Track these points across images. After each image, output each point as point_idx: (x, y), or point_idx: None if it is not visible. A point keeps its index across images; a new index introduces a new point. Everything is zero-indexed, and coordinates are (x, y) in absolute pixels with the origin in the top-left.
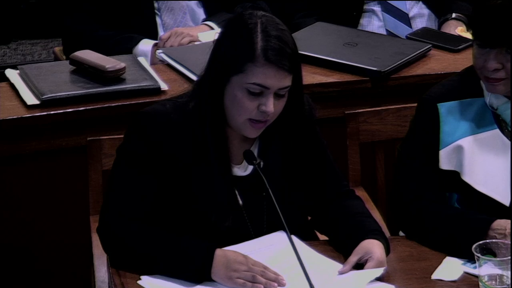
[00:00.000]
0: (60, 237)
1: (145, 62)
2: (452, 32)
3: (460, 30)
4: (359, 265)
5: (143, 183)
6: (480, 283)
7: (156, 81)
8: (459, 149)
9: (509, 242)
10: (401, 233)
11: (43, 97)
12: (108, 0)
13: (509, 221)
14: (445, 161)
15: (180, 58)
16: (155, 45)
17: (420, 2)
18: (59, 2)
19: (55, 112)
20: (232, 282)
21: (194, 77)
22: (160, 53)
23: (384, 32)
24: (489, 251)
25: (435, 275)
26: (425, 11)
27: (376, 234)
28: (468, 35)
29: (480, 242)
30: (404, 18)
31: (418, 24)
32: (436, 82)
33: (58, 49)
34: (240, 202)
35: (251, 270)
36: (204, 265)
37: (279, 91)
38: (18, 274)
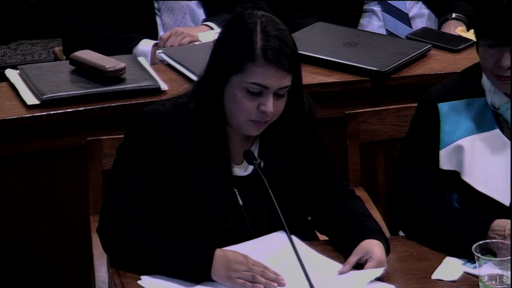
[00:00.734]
0: (60, 237)
1: (145, 62)
2: (452, 32)
3: (460, 30)
4: (359, 265)
5: (143, 183)
6: (480, 283)
7: (156, 81)
8: (459, 149)
9: (509, 242)
10: (401, 233)
11: (43, 97)
12: (108, 0)
13: (508, 221)
14: (445, 161)
15: (180, 58)
16: (155, 45)
17: (420, 2)
18: (59, 2)
19: (55, 112)
20: (232, 282)
21: (194, 77)
22: (160, 53)
23: (384, 32)
24: (489, 251)
25: (435, 275)
26: (425, 11)
27: (376, 234)
28: (468, 35)
29: (480, 242)
30: (404, 18)
31: (418, 24)
32: (436, 82)
33: (58, 49)
34: (240, 202)
35: (251, 270)
36: (204, 265)
37: (279, 91)
38: (18, 274)
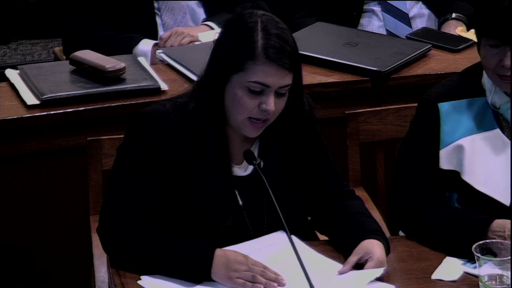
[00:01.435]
0: (60, 237)
1: (145, 62)
2: (452, 32)
3: (460, 30)
4: (359, 265)
5: (143, 183)
6: (480, 283)
7: (156, 81)
8: (459, 148)
9: (509, 243)
10: (401, 233)
11: (43, 97)
12: (108, 0)
13: (507, 221)
14: (445, 161)
15: (180, 58)
16: (155, 45)
17: (420, 2)
18: (59, 2)
19: (55, 112)
20: (232, 282)
21: (194, 77)
22: (160, 53)
23: (384, 32)
24: (489, 251)
25: (435, 275)
26: (425, 11)
27: (376, 234)
28: (468, 35)
29: (480, 242)
30: (404, 18)
31: (418, 24)
32: (436, 82)
33: (58, 49)
34: (240, 202)
35: (251, 270)
36: (204, 265)
37: (280, 89)
38: (18, 274)
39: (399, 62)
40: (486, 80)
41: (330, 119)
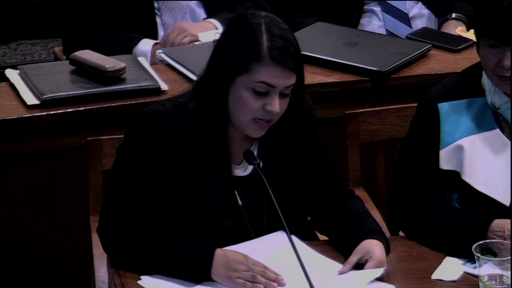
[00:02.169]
0: (60, 237)
1: (145, 62)
2: (452, 32)
3: (460, 30)
4: (359, 265)
5: (143, 183)
6: (480, 283)
7: (156, 81)
8: (459, 149)
9: (509, 243)
10: (401, 233)
11: (43, 97)
12: (108, 0)
13: (507, 221)
14: (445, 161)
15: (180, 58)
16: (155, 45)
17: (420, 2)
18: (59, 2)
19: (55, 112)
20: (232, 282)
21: (194, 77)
22: (160, 53)
23: (384, 32)
24: (489, 251)
25: (435, 275)
26: (425, 11)
27: (376, 234)
28: (468, 35)
29: (480, 242)
30: (404, 18)
31: (418, 24)
32: (436, 82)
33: (58, 49)
34: (240, 202)
35: (251, 270)
36: (204, 265)
37: (284, 90)
38: (18, 274)
39: (399, 62)
40: (485, 80)
41: (330, 119)
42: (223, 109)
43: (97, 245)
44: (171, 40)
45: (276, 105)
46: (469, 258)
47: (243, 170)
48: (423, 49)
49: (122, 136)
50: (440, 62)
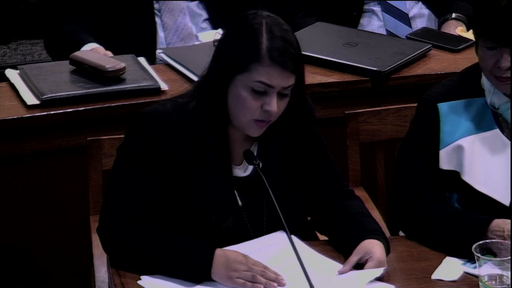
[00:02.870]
0: (60, 237)
1: (145, 62)
2: (452, 32)
3: (460, 30)
4: (359, 265)
5: (143, 183)
6: (480, 283)
7: (156, 81)
8: (459, 149)
9: (509, 243)
10: (401, 233)
11: (43, 97)
12: (108, 0)
13: (506, 221)
14: (445, 161)
15: (180, 58)
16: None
17: (420, 2)
18: (59, 2)
19: (55, 112)
20: (232, 282)
21: (194, 77)
22: (160, 53)
23: (384, 32)
24: (489, 251)
25: (435, 275)
26: (425, 11)
27: (376, 234)
28: (468, 35)
29: (480, 242)
30: (404, 18)
31: (418, 24)
32: (436, 82)
33: None
34: (240, 202)
35: (251, 270)
36: (204, 265)
37: (283, 90)
38: (18, 274)
39: (399, 62)
40: (485, 81)
41: (330, 119)
42: (224, 109)
43: (97, 245)
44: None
45: (274, 105)
46: (469, 258)
47: (243, 171)
48: (423, 49)
49: (122, 136)
50: (440, 62)
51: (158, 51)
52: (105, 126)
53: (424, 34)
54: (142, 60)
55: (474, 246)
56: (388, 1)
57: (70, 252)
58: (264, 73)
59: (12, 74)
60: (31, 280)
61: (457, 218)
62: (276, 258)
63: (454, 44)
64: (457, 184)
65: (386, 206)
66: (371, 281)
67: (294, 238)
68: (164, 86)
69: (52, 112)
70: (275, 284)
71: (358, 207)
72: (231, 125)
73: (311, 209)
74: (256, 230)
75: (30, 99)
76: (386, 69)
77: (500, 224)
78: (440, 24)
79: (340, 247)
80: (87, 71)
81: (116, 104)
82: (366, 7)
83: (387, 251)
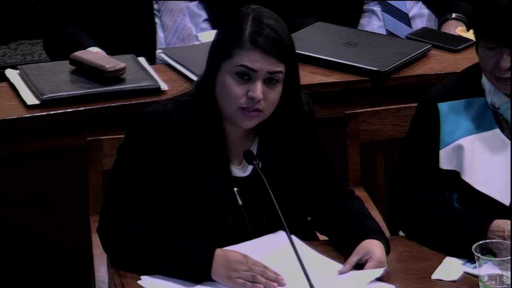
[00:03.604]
0: (60, 237)
1: (145, 62)
2: (452, 32)
3: (460, 30)
4: (359, 265)
5: (143, 183)
6: (480, 283)
7: (156, 81)
8: (459, 148)
9: (509, 243)
10: (401, 233)
11: (43, 97)
12: (108, 0)
13: (507, 221)
14: (445, 161)
15: (180, 58)
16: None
17: (420, 2)
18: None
19: (55, 112)
20: (232, 282)
21: (194, 77)
22: (160, 53)
23: (384, 32)
24: (489, 251)
25: (435, 275)
26: (425, 11)
27: (376, 234)
28: (468, 35)
29: (480, 242)
30: (404, 18)
31: (418, 24)
32: (436, 82)
33: None
34: (240, 202)
35: (251, 270)
36: (204, 265)
37: (269, 76)
38: (18, 274)
39: (399, 62)
40: (485, 81)
41: (330, 119)
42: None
43: (97, 245)
44: None
45: (258, 91)
46: (469, 258)
47: (243, 171)
48: (423, 49)
49: (122, 136)
50: (440, 62)
51: (158, 51)
52: (105, 126)
53: (424, 34)
54: (142, 60)
55: (474, 246)
56: (388, 1)
57: (70, 252)
58: (245, 57)
59: (12, 74)
60: (31, 280)
61: (457, 218)
62: (276, 258)
63: (454, 44)
64: (457, 184)
65: (386, 206)
66: (371, 281)
67: (294, 238)
68: (164, 86)
69: (52, 112)
70: (275, 284)
71: (358, 207)
72: (231, 125)
73: (311, 209)
74: (256, 230)
75: (30, 99)
76: (386, 69)
77: (500, 224)
78: (440, 24)
79: (340, 247)
80: (87, 71)
81: (116, 104)
82: (366, 7)
83: (387, 251)
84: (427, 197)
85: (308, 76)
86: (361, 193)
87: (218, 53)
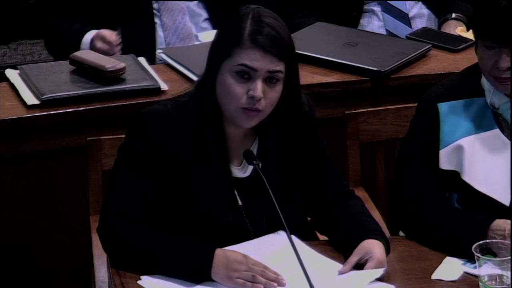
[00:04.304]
0: (60, 237)
1: (145, 62)
2: (452, 32)
3: (460, 30)
4: (359, 265)
5: (143, 183)
6: (480, 283)
7: (156, 81)
8: (459, 149)
9: (509, 242)
10: (401, 233)
11: (43, 97)
12: (108, 0)
13: (507, 221)
14: (445, 161)
15: (180, 58)
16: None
17: (420, 2)
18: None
19: (55, 112)
20: (232, 282)
21: (194, 77)
22: (160, 53)
23: (384, 32)
24: (489, 251)
25: (435, 275)
26: (425, 11)
27: (376, 234)
28: (468, 35)
29: (480, 242)
30: (404, 18)
31: (418, 24)
32: (436, 82)
33: None
34: (240, 202)
35: (251, 270)
36: (204, 265)
37: (268, 74)
38: (18, 274)
39: (399, 62)
40: (485, 81)
41: (330, 119)
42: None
43: (97, 245)
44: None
45: (258, 90)
46: (469, 258)
47: (243, 171)
48: (423, 49)
49: (122, 136)
50: (440, 62)
51: (158, 51)
52: (105, 126)
53: (424, 34)
54: (142, 60)
55: (474, 246)
56: (388, 1)
57: (70, 252)
58: (245, 56)
59: (12, 74)
60: (31, 280)
61: (457, 218)
62: (276, 258)
63: (454, 44)
64: (457, 184)
65: (386, 206)
66: (371, 281)
67: (294, 238)
68: (164, 86)
69: (52, 112)
70: (275, 284)
71: (358, 207)
72: (231, 125)
73: (311, 209)
74: (256, 230)
75: (30, 99)
76: (386, 69)
77: (501, 224)
78: (440, 24)
79: (340, 247)
80: (87, 71)
81: (116, 104)
82: (366, 7)
83: (387, 251)
84: (427, 197)
85: (308, 76)
86: (361, 193)
87: (218, 52)
